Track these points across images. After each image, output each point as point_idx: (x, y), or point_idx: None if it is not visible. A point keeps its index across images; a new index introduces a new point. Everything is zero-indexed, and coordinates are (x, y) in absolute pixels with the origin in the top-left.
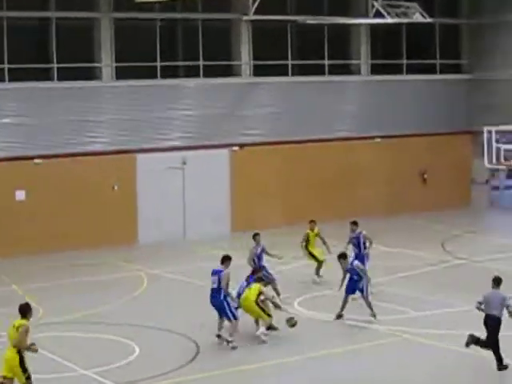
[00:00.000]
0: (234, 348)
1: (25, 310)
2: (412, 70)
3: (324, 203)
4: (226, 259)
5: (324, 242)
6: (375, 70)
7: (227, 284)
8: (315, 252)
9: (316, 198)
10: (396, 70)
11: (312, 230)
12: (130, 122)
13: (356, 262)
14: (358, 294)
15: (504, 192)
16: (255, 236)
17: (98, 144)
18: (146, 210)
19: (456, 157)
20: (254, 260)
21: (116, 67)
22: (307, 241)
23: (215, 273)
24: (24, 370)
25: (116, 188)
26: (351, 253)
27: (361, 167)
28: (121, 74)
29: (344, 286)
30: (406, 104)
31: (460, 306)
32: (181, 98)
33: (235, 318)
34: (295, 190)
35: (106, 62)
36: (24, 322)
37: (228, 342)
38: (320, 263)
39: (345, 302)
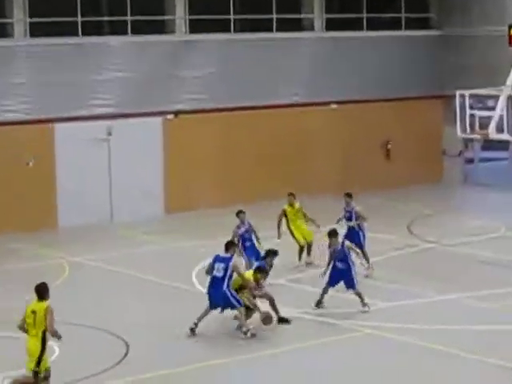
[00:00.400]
0: (253, 335)
1: (43, 291)
2: (373, 25)
3: (271, 179)
4: (231, 245)
5: (307, 220)
6: (330, 25)
7: (232, 274)
8: (296, 232)
9: (262, 173)
10: (355, 25)
11: (291, 205)
12: (46, 86)
13: (348, 243)
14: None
15: (479, 165)
16: (239, 214)
17: (10, 113)
18: (66, 189)
19: (424, 125)
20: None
21: (30, 23)
22: (286, 219)
23: (222, 260)
24: (39, 362)
25: (31, 164)
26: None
27: (313, 138)
28: (36, 30)
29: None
30: (366, 65)
31: (430, 297)
32: (106, 58)
33: (240, 303)
34: (238, 164)
35: (19, 16)
36: (46, 303)
37: (244, 332)
38: (301, 247)
39: (325, 291)
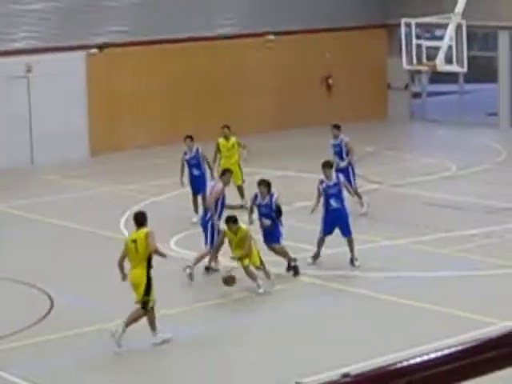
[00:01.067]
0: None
1: (142, 219)
2: None
3: (202, 116)
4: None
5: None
6: None
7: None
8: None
9: (192, 111)
10: None
11: (226, 138)
12: None
13: (342, 178)
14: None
15: (427, 100)
16: (186, 139)
17: None
18: None
19: (368, 57)
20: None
21: None
22: (219, 154)
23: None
24: (148, 292)
25: None
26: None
27: (248, 72)
28: None
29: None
30: None
31: (376, 242)
32: None
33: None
34: (168, 102)
35: None
36: (146, 229)
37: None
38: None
39: (321, 242)
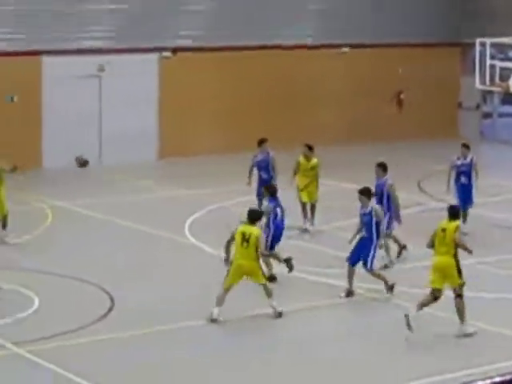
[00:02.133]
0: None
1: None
2: None
3: (273, 126)
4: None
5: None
6: None
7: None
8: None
9: (264, 120)
10: None
11: (307, 159)
12: (34, 15)
13: (376, 206)
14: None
15: (498, 120)
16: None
17: None
18: (52, 128)
19: (441, 74)
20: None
21: None
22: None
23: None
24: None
25: (15, 99)
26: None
27: (322, 83)
28: None
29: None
30: (381, 6)
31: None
32: None
33: None
34: (239, 109)
35: None
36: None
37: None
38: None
39: (351, 274)
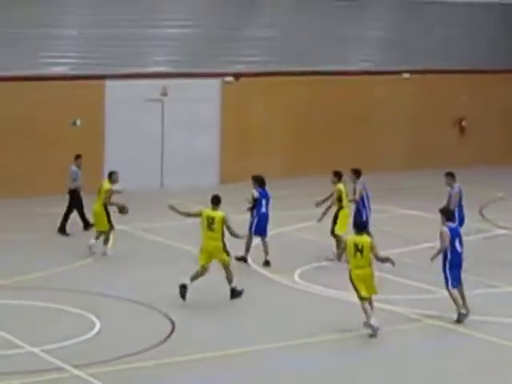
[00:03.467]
0: None
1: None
2: None
3: (332, 152)
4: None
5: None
6: None
7: None
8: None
9: (323, 146)
10: None
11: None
12: (97, 39)
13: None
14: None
15: None
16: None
17: (57, 66)
18: (114, 151)
19: (503, 101)
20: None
21: None
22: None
23: None
24: None
25: (78, 123)
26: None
27: (382, 109)
28: None
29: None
30: (444, 33)
31: (500, 287)
32: (164, 11)
33: None
34: (300, 135)
35: None
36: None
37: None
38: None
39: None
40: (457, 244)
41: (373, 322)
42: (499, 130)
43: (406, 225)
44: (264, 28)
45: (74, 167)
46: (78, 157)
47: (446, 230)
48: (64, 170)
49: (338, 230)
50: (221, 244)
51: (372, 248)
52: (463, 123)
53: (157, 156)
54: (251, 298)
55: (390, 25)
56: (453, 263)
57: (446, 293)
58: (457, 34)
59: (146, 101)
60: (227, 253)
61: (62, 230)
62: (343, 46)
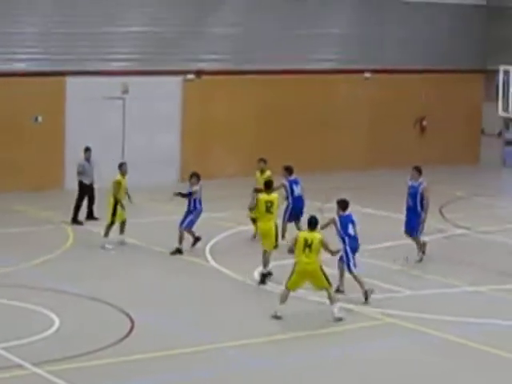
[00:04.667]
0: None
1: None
2: None
3: (292, 150)
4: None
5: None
6: None
7: None
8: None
9: (283, 144)
10: None
11: (262, 172)
12: (59, 36)
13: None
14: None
15: None
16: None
17: (19, 62)
18: (75, 149)
19: (463, 101)
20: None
21: None
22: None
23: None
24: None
25: (40, 120)
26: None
27: (342, 108)
28: None
29: None
30: (406, 33)
31: (458, 287)
32: (126, 9)
33: None
34: (260, 133)
35: None
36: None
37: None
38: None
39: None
40: (350, 230)
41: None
42: (459, 130)
43: (367, 223)
44: (226, 26)
45: (81, 160)
46: (86, 150)
47: (336, 217)
48: (25, 166)
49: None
50: None
51: (323, 245)
52: (424, 123)
53: (117, 153)
54: (210, 296)
55: (351, 24)
56: (351, 247)
57: (407, 292)
58: (417, 34)
59: (107, 98)
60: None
61: (75, 219)
62: (304, 44)
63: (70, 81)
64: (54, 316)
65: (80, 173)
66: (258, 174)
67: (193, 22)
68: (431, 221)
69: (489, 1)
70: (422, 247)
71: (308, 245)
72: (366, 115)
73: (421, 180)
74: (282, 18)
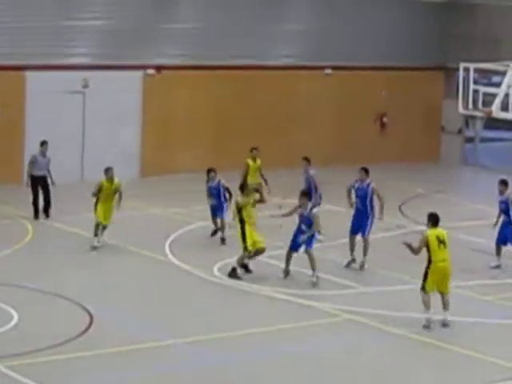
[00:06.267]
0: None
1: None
2: None
3: (249, 145)
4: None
5: (265, 180)
6: None
7: None
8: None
9: (244, 140)
10: None
11: (254, 159)
12: (21, 31)
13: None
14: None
15: (480, 145)
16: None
17: None
18: (35, 142)
19: (424, 98)
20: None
21: None
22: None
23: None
24: None
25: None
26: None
27: (303, 104)
28: None
29: None
30: (366, 29)
31: (416, 284)
32: (87, 2)
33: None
34: (221, 129)
35: None
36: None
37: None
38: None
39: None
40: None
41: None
42: (420, 127)
43: (328, 220)
44: (187, 21)
45: (35, 153)
46: (42, 143)
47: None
48: None
49: None
50: None
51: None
52: (384, 119)
53: (78, 148)
54: (169, 291)
55: (311, 20)
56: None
57: (365, 288)
58: (377, 30)
59: (67, 93)
60: None
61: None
62: (265, 40)
63: (30, 75)
64: (12, 311)
65: (31, 163)
66: (250, 161)
67: (153, 16)
68: (391, 218)
69: None
70: (367, 250)
71: (441, 241)
72: (327, 111)
73: (369, 181)
74: (243, 14)
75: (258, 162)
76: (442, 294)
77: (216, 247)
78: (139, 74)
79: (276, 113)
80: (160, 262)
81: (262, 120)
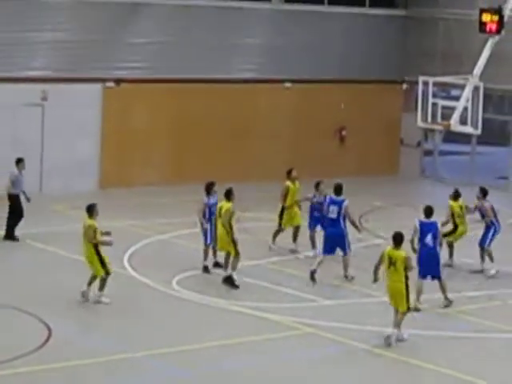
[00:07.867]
0: (353, 278)
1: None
2: (336, 0)
3: (213, 160)
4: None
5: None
6: None
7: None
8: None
9: (204, 153)
10: None
11: (293, 182)
12: None
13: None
14: None
15: (438, 158)
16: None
17: None
18: None
19: (383, 111)
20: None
21: None
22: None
23: (335, 203)
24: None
25: None
26: None
27: (263, 118)
28: None
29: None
30: (325, 43)
31: (375, 297)
32: (46, 16)
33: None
34: (181, 142)
35: None
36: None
37: (348, 277)
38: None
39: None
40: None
41: None
42: (379, 140)
43: (286, 233)
44: (147, 34)
45: (15, 171)
46: (19, 161)
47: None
48: None
49: None
50: None
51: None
52: (343, 133)
53: (36, 160)
54: (128, 304)
55: (271, 34)
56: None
57: (326, 301)
58: (335, 44)
59: (25, 105)
60: None
61: (11, 236)
62: (225, 53)
63: None
64: None
65: (13, 183)
66: (290, 184)
67: (113, 29)
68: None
69: (407, 11)
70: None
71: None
72: (286, 125)
73: (343, 197)
74: (203, 28)
75: (297, 184)
76: (397, 311)
77: (175, 261)
78: (98, 86)
79: (235, 126)
80: (119, 274)
81: (221, 133)
